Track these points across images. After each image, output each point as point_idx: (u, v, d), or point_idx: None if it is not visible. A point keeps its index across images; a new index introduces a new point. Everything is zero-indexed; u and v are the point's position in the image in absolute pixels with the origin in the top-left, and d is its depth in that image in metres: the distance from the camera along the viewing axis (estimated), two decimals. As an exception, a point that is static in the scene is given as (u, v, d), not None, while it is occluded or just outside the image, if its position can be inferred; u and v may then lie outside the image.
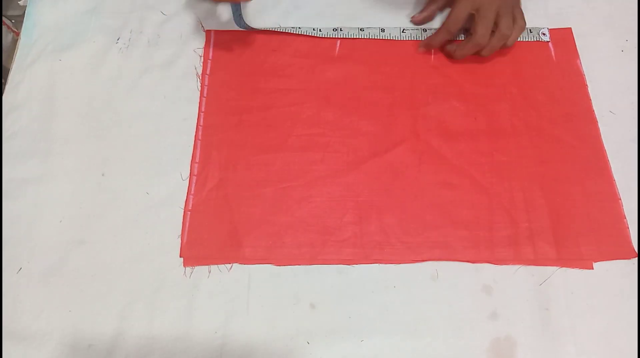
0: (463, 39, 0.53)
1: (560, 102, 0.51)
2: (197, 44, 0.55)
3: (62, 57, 0.55)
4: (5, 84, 0.54)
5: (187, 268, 0.45)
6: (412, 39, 0.55)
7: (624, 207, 0.46)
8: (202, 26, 0.56)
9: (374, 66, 0.53)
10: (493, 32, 0.50)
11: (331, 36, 0.55)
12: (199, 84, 0.53)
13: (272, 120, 0.51)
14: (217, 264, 0.45)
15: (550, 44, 0.55)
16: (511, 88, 0.52)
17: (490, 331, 0.42)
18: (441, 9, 0.56)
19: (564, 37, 0.55)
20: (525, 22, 0.52)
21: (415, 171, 0.48)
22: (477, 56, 0.52)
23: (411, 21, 0.56)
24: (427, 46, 0.53)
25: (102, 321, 0.43)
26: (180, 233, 0.46)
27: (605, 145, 0.49)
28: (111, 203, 0.48)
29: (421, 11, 0.55)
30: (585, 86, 0.52)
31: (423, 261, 0.45)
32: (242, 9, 0.53)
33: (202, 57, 0.55)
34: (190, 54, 0.55)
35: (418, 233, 0.46)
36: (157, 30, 0.56)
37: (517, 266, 0.44)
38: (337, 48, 0.55)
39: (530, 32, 0.55)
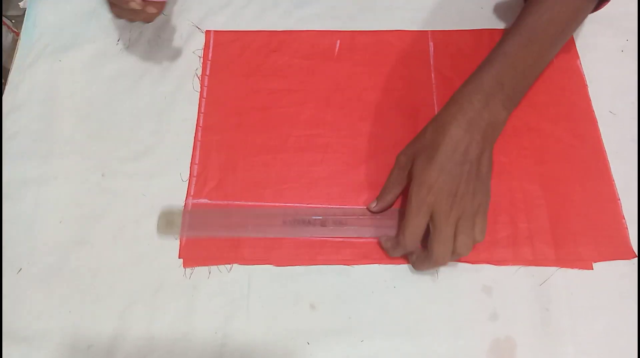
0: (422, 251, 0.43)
1: (560, 102, 0.51)
2: (197, 44, 0.55)
3: (63, 57, 0.55)
4: (5, 85, 0.54)
5: (186, 268, 0.45)
6: (412, 39, 0.55)
7: (623, 207, 0.46)
8: (202, 27, 0.57)
9: (374, 66, 0.53)
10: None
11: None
12: (199, 85, 0.53)
13: (271, 121, 0.51)
14: (216, 265, 0.45)
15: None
16: (511, 88, 0.52)
17: (490, 331, 0.42)
18: (399, 196, 0.46)
19: (563, 38, 0.55)
20: (484, 234, 0.41)
21: (415, 171, 0.48)
22: None
23: (369, 209, 0.47)
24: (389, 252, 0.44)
25: (102, 322, 0.43)
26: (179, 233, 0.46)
27: (605, 145, 0.49)
28: (111, 203, 0.48)
29: (377, 200, 0.46)
30: (585, 86, 0.52)
31: (423, 261, 0.45)
32: None
33: (202, 58, 0.55)
34: (189, 55, 0.55)
35: (418, 234, 0.46)
36: (157, 31, 0.56)
37: (517, 267, 0.44)
38: (337, 49, 0.55)
39: None
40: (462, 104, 0.42)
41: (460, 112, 0.42)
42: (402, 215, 0.42)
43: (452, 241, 0.40)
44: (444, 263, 0.41)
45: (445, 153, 0.41)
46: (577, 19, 0.47)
